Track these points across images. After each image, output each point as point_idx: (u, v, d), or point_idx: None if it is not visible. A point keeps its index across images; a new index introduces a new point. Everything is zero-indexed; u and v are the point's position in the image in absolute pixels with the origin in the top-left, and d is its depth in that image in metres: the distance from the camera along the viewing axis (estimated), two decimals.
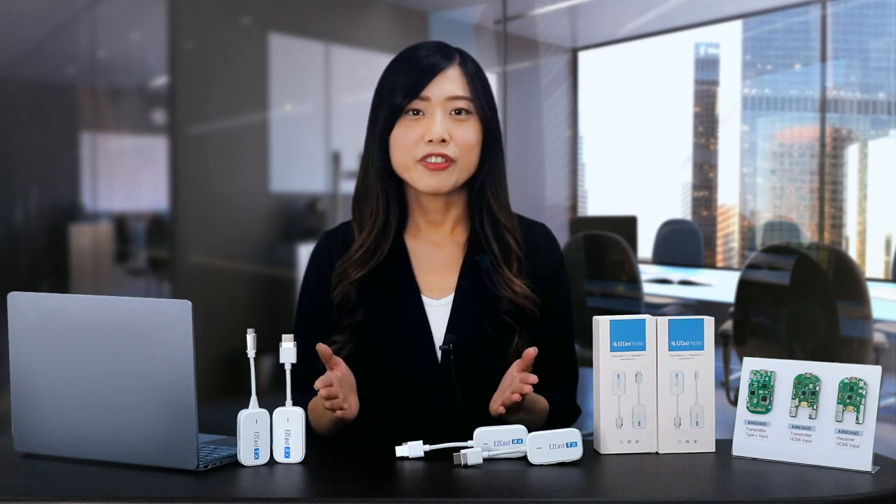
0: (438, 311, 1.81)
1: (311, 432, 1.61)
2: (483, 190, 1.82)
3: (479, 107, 1.79)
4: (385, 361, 1.80)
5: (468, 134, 1.78)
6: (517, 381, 1.63)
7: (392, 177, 1.81)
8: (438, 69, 1.77)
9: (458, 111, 1.78)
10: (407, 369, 1.80)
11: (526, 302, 1.79)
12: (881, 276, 3.70)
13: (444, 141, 1.75)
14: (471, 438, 1.58)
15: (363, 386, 1.82)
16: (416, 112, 1.77)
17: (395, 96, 1.77)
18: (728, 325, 3.69)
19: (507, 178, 1.85)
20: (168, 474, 1.50)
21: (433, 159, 1.76)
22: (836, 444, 1.54)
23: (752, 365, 1.62)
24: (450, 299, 1.81)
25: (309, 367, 1.76)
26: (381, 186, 1.81)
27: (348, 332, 1.80)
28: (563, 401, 1.84)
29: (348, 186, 4.11)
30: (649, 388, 1.64)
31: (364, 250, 1.80)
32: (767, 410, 1.59)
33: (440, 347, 1.78)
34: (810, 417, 1.56)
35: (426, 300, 1.81)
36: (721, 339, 3.66)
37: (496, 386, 1.80)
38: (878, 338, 3.47)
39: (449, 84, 1.78)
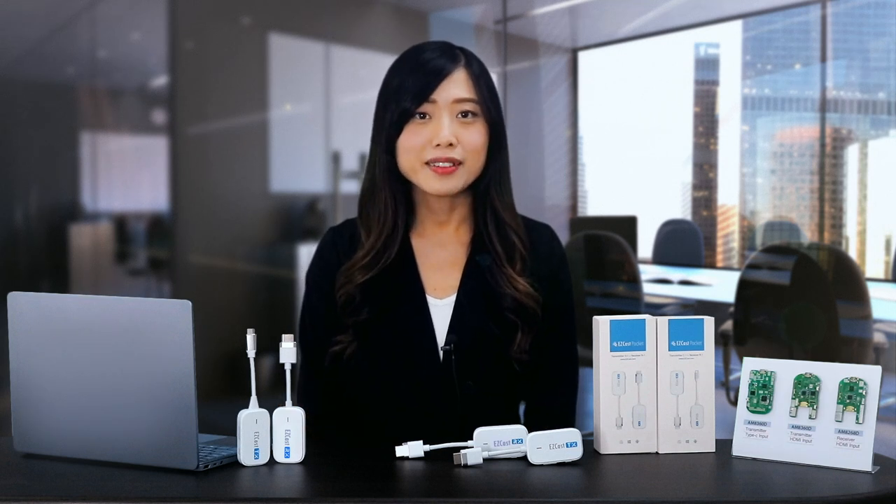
0: (441, 311, 1.81)
1: (310, 432, 1.61)
2: (488, 190, 1.82)
3: (486, 108, 1.78)
4: (388, 361, 1.80)
5: (475, 137, 1.77)
6: None
7: (399, 179, 1.81)
8: (446, 72, 1.77)
9: (465, 113, 1.77)
10: (409, 369, 1.80)
11: (529, 300, 1.79)
12: (881, 276, 3.70)
13: (451, 145, 1.75)
14: (471, 438, 1.58)
15: (366, 385, 1.83)
16: (423, 115, 1.77)
17: (403, 101, 1.76)
18: (728, 325, 3.69)
19: (511, 178, 1.85)
20: (168, 474, 1.50)
21: (441, 163, 1.75)
22: (836, 444, 1.54)
23: (752, 365, 1.62)
24: (453, 299, 1.81)
25: (314, 371, 1.77)
26: (389, 189, 1.80)
27: (352, 331, 1.80)
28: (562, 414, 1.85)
29: (348, 186, 4.12)
30: (649, 388, 1.64)
31: (373, 254, 1.79)
32: (767, 410, 1.59)
33: (442, 348, 1.79)
34: (810, 417, 1.56)
35: (430, 299, 1.81)
36: (721, 339, 3.66)
37: (497, 385, 1.81)
38: (878, 338, 3.47)
39: (455, 87, 1.77)
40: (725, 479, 1.55)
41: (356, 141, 4.10)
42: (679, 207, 4.15)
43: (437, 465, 1.56)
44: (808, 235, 3.82)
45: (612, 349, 1.64)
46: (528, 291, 1.79)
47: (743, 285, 3.66)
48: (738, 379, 1.64)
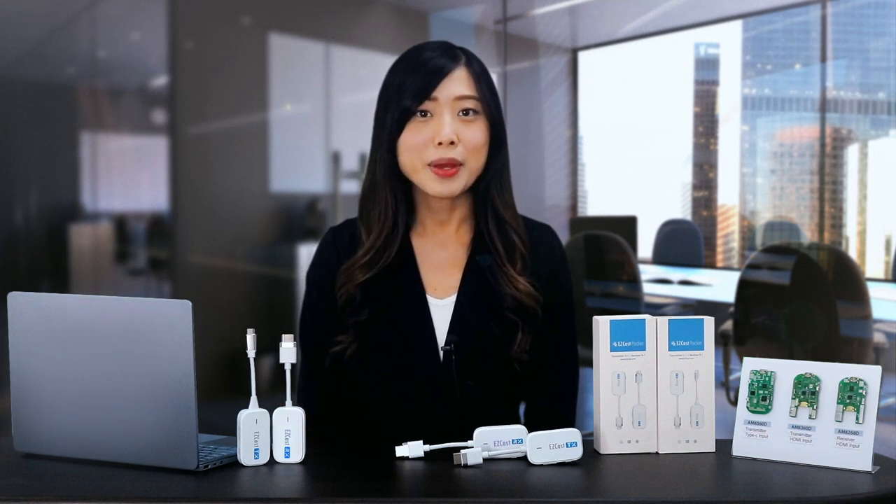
0: (442, 311, 1.81)
1: (310, 432, 1.61)
2: (489, 189, 1.82)
3: (486, 106, 1.78)
4: (388, 361, 1.80)
5: (476, 135, 1.77)
6: None
7: (400, 178, 1.81)
8: (446, 70, 1.77)
9: (466, 111, 1.77)
10: (409, 369, 1.80)
11: (529, 300, 1.79)
12: (881, 276, 3.70)
13: (452, 143, 1.75)
14: (471, 438, 1.58)
15: (366, 385, 1.83)
16: (424, 113, 1.77)
17: (404, 99, 1.76)
18: (728, 325, 3.69)
19: (511, 177, 1.85)
20: (168, 474, 1.50)
21: (442, 166, 1.75)
22: (836, 444, 1.54)
23: (752, 365, 1.62)
24: (453, 299, 1.81)
25: (314, 371, 1.77)
26: (390, 188, 1.80)
27: (352, 331, 1.80)
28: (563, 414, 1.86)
29: (348, 186, 4.12)
30: (649, 388, 1.64)
31: (373, 253, 1.79)
32: (767, 410, 1.59)
33: (442, 348, 1.79)
34: (810, 417, 1.56)
35: (430, 299, 1.81)
36: (721, 339, 3.66)
37: (498, 385, 1.81)
38: (878, 338, 3.47)
39: (456, 85, 1.77)
40: (725, 479, 1.55)
41: (356, 141, 4.10)
42: (679, 207, 4.15)
43: (437, 465, 1.56)
44: (808, 235, 3.82)
45: (612, 349, 1.64)
46: (529, 291, 1.79)
47: (743, 285, 3.66)
48: (738, 379, 1.64)
